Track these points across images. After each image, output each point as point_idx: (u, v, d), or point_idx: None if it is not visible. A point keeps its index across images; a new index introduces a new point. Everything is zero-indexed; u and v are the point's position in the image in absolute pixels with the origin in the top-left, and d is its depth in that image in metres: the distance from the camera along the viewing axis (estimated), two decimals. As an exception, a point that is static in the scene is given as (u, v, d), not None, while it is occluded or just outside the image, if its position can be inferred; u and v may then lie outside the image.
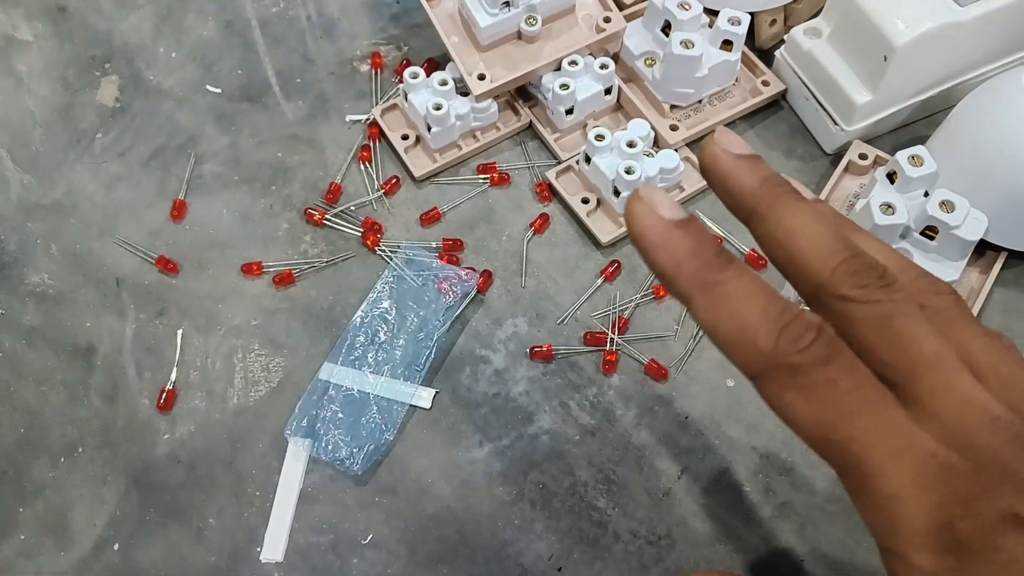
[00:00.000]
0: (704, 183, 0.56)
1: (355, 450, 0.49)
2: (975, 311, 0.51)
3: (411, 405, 0.51)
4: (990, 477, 0.22)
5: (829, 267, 0.25)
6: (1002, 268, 0.53)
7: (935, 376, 0.24)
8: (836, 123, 0.56)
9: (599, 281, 0.54)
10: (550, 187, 0.57)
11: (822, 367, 0.23)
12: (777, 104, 0.60)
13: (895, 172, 0.51)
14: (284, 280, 0.55)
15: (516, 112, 0.59)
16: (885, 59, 0.51)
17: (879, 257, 0.26)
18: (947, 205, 0.49)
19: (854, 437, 0.23)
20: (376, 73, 0.62)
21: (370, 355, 0.52)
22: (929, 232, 0.50)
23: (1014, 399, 0.25)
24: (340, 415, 0.51)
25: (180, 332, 0.54)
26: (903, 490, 0.22)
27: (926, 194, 0.51)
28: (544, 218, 0.56)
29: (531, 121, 0.59)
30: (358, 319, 0.53)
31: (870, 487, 0.23)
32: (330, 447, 0.50)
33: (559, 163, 0.57)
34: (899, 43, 0.50)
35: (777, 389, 0.24)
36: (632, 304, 0.54)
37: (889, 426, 0.23)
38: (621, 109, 0.59)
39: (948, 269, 0.51)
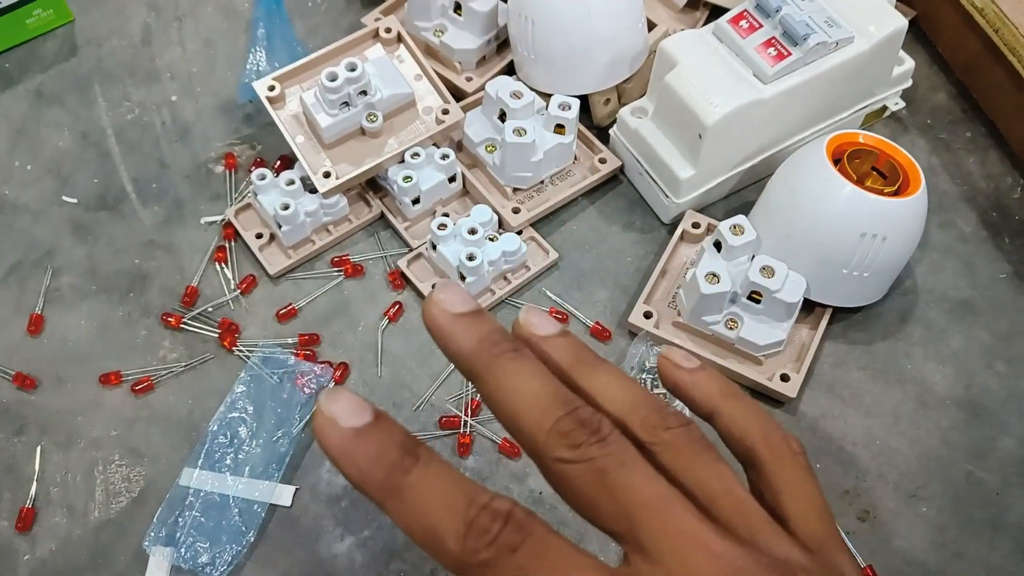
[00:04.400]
0: (550, 260, 0.59)
1: (215, 555, 0.50)
2: (805, 366, 0.54)
3: (272, 504, 0.52)
4: None
5: (543, 430, 0.25)
6: (829, 323, 0.56)
7: (653, 519, 0.24)
8: (667, 196, 0.59)
9: (452, 366, 0.56)
10: (403, 275, 0.59)
11: (511, 556, 0.23)
12: (617, 179, 0.63)
13: (720, 241, 0.54)
14: (143, 388, 0.55)
15: (368, 203, 0.61)
16: (700, 136, 0.54)
17: (613, 396, 0.27)
18: (767, 271, 0.53)
19: None
20: (230, 174, 0.63)
21: (229, 457, 0.53)
22: (755, 296, 0.53)
23: (746, 524, 0.25)
24: (201, 520, 0.51)
25: (39, 449, 0.54)
26: None
27: (753, 259, 0.54)
28: (398, 306, 0.58)
29: (382, 211, 0.61)
30: (217, 422, 0.54)
31: None
32: (190, 554, 0.50)
33: (411, 251, 0.59)
34: (710, 122, 0.53)
35: None
36: (486, 384, 0.55)
37: None
38: (468, 194, 0.62)
39: (776, 330, 0.54)
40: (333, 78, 0.56)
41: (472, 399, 0.54)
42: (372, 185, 0.61)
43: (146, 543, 0.50)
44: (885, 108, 0.63)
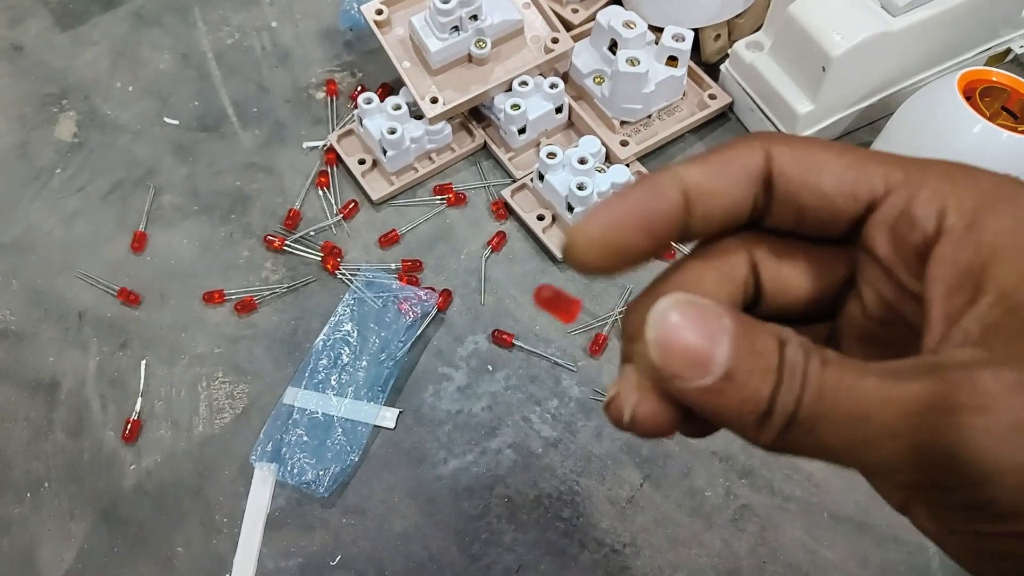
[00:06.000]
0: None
1: (321, 472, 0.50)
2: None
3: (375, 426, 0.52)
4: None
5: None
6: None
7: None
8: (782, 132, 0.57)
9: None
10: (506, 205, 0.58)
11: None
12: (725, 116, 0.61)
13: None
14: (246, 307, 0.55)
15: (470, 133, 0.60)
16: (823, 70, 0.53)
17: None
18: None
19: None
20: (331, 100, 0.62)
21: (333, 378, 0.53)
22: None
23: None
24: (305, 438, 0.51)
25: (144, 363, 0.54)
26: None
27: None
28: (501, 236, 0.57)
29: (485, 141, 0.60)
30: (320, 343, 0.54)
31: None
32: (296, 471, 0.50)
33: (514, 181, 0.58)
34: (835, 54, 0.52)
35: None
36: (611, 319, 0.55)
37: None
38: (572, 126, 0.61)
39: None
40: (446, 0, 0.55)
41: (598, 334, 0.54)
42: (475, 115, 0.61)
43: (253, 457, 0.50)
44: (1008, 51, 0.61)
